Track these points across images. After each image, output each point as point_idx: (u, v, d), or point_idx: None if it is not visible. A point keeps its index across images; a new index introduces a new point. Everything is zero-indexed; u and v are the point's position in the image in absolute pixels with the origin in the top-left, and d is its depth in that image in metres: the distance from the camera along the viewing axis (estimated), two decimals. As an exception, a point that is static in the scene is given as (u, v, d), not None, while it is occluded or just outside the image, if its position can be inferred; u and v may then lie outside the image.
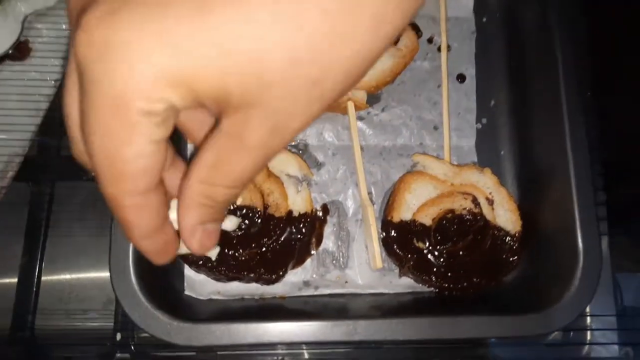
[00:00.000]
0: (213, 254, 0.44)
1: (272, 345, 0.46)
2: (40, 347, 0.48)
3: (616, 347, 0.51)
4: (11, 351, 0.48)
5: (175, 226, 0.24)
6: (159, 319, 0.40)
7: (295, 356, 0.47)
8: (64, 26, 0.51)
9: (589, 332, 0.51)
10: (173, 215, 0.24)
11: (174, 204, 0.24)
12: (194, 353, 0.47)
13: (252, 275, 0.45)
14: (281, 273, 0.45)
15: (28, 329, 0.48)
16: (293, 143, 0.50)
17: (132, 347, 0.48)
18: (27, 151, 0.49)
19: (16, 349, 0.48)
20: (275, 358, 0.47)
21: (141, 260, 0.41)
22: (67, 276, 0.52)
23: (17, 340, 0.48)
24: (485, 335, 0.41)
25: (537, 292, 0.44)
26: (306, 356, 0.48)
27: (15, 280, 0.51)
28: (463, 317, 0.41)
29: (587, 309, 0.51)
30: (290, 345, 0.47)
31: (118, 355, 0.48)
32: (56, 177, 0.52)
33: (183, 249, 0.45)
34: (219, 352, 0.47)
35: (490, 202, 0.48)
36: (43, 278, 0.52)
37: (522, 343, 0.49)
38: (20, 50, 0.50)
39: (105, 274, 0.52)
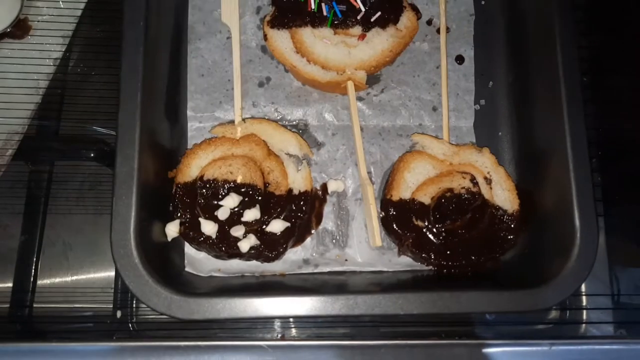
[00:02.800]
0: (212, 231, 0.45)
1: (271, 319, 0.47)
2: (39, 325, 0.48)
3: (611, 327, 0.51)
4: (10, 329, 0.48)
5: None
6: (160, 293, 0.40)
7: (295, 332, 0.48)
8: (61, 4, 0.51)
9: (584, 312, 0.52)
10: None
11: None
12: (192, 329, 0.47)
13: (252, 252, 0.45)
14: (281, 250, 0.45)
15: (27, 307, 0.48)
16: (293, 123, 0.50)
17: (130, 325, 0.48)
18: (26, 129, 0.49)
19: (15, 326, 0.48)
20: (275, 334, 0.48)
21: (142, 237, 0.41)
22: (66, 257, 0.52)
23: (16, 319, 0.48)
24: (484, 309, 0.42)
25: (535, 269, 0.45)
26: (305, 334, 0.48)
27: (14, 260, 0.51)
28: (462, 292, 0.41)
29: (583, 288, 0.51)
30: (290, 320, 0.47)
31: (116, 338, 0.48)
32: (55, 157, 0.52)
33: (173, 232, 0.45)
34: (217, 328, 0.47)
35: (489, 181, 0.48)
36: (41, 259, 0.51)
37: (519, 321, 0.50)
38: (19, 28, 0.50)
39: (104, 256, 0.52)
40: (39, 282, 0.51)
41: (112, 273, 0.51)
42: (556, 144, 0.45)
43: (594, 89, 0.54)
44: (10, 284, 0.50)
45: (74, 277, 0.52)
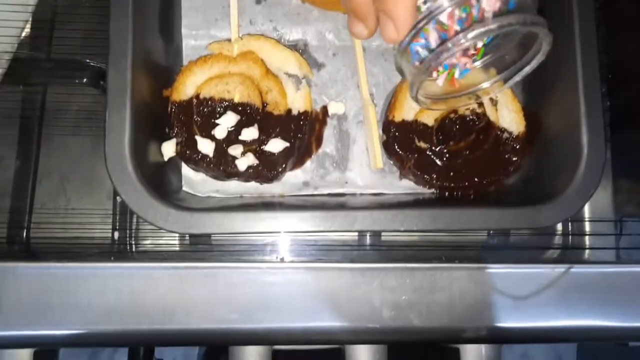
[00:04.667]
0: (209, 150, 0.44)
1: (271, 234, 0.46)
2: (36, 246, 0.48)
3: (613, 254, 0.51)
4: (8, 250, 0.48)
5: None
6: (157, 207, 0.39)
7: (295, 255, 0.47)
8: None
9: (587, 239, 0.51)
10: None
11: None
12: (191, 252, 0.47)
13: (250, 172, 0.44)
14: (280, 170, 0.44)
15: (24, 229, 0.48)
16: (292, 42, 0.48)
17: (129, 247, 0.48)
18: (15, 48, 0.48)
19: (13, 247, 0.48)
20: (275, 256, 0.47)
21: (138, 154, 0.40)
22: (63, 188, 0.51)
23: (13, 241, 0.48)
24: (486, 226, 0.41)
25: (540, 190, 0.44)
26: (304, 256, 0.48)
27: (10, 189, 0.51)
28: (463, 209, 0.41)
29: (587, 214, 0.51)
30: (290, 242, 0.47)
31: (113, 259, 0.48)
32: (47, 78, 0.50)
33: (169, 152, 0.45)
34: (217, 251, 0.47)
35: (494, 102, 0.47)
36: (38, 189, 0.51)
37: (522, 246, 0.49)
38: (4, -59, 0.47)
39: (101, 187, 0.52)
40: (37, 210, 0.50)
41: (111, 202, 0.50)
42: (565, 63, 0.44)
43: (605, 10, 0.52)
44: (7, 210, 0.49)
45: (72, 206, 0.51)
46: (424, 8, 0.31)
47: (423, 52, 0.33)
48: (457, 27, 0.31)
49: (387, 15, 0.30)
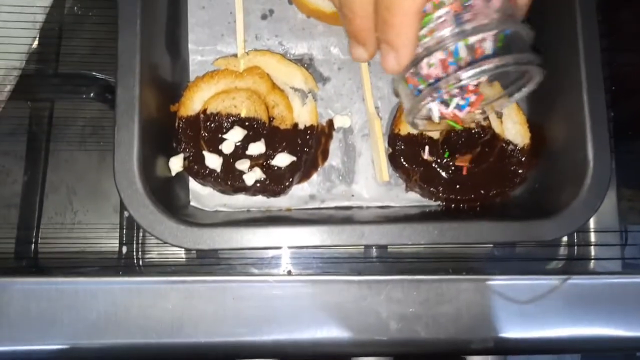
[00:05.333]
0: (216, 165, 0.44)
1: (278, 249, 0.47)
2: (44, 262, 0.48)
3: (619, 264, 0.51)
4: (16, 265, 0.48)
5: None
6: (165, 222, 0.39)
7: (302, 268, 0.48)
8: None
9: (593, 250, 0.51)
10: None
11: None
12: (198, 265, 0.47)
13: (257, 186, 0.44)
14: (287, 184, 0.45)
15: (32, 244, 0.48)
16: (298, 57, 0.49)
17: (136, 262, 0.48)
18: (24, 65, 0.48)
19: (21, 263, 0.48)
20: (283, 270, 0.47)
21: (146, 169, 0.40)
22: (70, 201, 0.52)
23: (21, 256, 0.48)
24: (493, 239, 0.42)
25: (546, 202, 0.44)
26: (311, 269, 0.48)
27: (18, 203, 0.51)
28: (470, 222, 0.41)
29: (592, 225, 0.51)
30: (297, 256, 0.47)
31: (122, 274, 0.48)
32: (55, 94, 0.51)
33: (177, 167, 0.45)
34: (224, 264, 0.47)
35: (499, 114, 0.47)
36: (46, 203, 0.51)
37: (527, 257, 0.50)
38: (12, -41, 0.48)
39: (108, 201, 0.52)
40: (44, 224, 0.50)
41: (117, 216, 0.51)
42: (570, 75, 0.44)
43: (607, 23, 0.52)
44: (14, 225, 0.50)
45: (79, 221, 0.51)
46: (425, 40, 0.31)
47: (420, 87, 0.33)
48: (454, 65, 0.32)
49: (389, 45, 0.30)
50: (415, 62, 0.31)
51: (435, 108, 0.36)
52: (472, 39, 0.31)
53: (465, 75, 0.31)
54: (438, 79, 0.32)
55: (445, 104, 0.36)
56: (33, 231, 0.49)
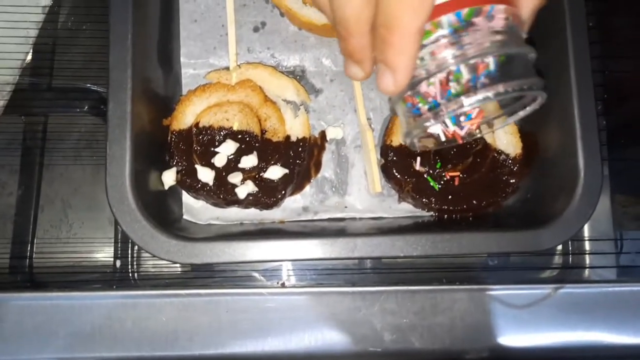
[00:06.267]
0: (209, 178, 0.44)
1: (271, 262, 0.47)
2: (39, 276, 0.48)
3: (614, 272, 0.51)
4: (11, 280, 0.48)
5: None
6: (157, 237, 0.39)
7: (295, 280, 0.48)
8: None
9: (587, 258, 0.51)
10: None
11: None
12: (193, 278, 0.47)
13: (250, 199, 0.44)
14: (279, 197, 0.45)
15: (27, 258, 0.48)
16: (290, 69, 0.49)
17: (131, 275, 0.48)
18: (17, 80, 0.48)
19: (16, 277, 0.48)
20: (277, 282, 0.47)
21: (138, 183, 0.41)
22: (65, 214, 0.52)
23: (16, 271, 0.48)
24: (486, 250, 0.42)
25: (538, 212, 0.44)
26: (305, 281, 0.48)
27: (12, 216, 0.51)
28: (463, 233, 0.41)
29: (586, 233, 0.51)
30: (290, 268, 0.47)
31: (116, 287, 0.48)
32: (49, 108, 0.51)
33: (169, 180, 0.45)
34: (219, 277, 0.47)
35: (491, 124, 0.47)
36: (41, 216, 0.51)
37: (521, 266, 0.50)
38: (5, -25, 0.48)
39: (103, 213, 0.52)
40: (39, 237, 0.50)
41: (112, 229, 0.51)
42: (560, 84, 0.44)
43: (600, 29, 0.52)
44: (9, 239, 0.50)
45: (74, 234, 0.51)
46: (424, 62, 0.30)
47: (419, 106, 0.33)
48: (454, 83, 0.31)
49: (387, 65, 0.29)
50: (413, 84, 0.30)
51: (438, 130, 0.35)
52: (474, 60, 0.30)
53: (468, 102, 0.30)
54: (438, 103, 0.31)
55: (444, 123, 0.36)
56: (28, 245, 0.49)
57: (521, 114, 0.36)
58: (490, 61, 0.31)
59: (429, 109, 0.31)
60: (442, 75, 0.30)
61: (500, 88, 0.30)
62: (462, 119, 0.36)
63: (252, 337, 0.45)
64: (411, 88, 0.31)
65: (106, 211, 0.52)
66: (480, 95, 0.30)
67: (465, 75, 0.30)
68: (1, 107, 0.48)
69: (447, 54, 0.29)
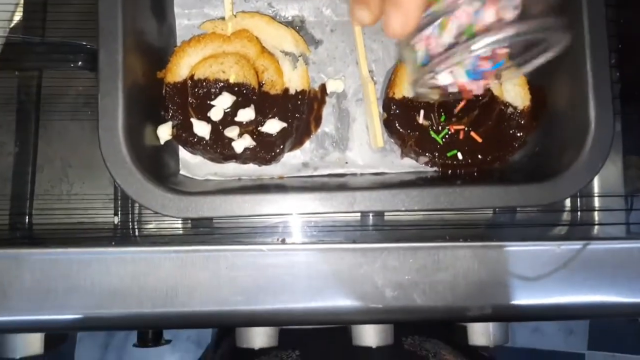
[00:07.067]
0: (205, 132, 0.43)
1: (269, 217, 0.46)
2: (39, 233, 0.48)
3: (623, 229, 0.50)
4: (11, 236, 0.48)
5: None
6: (153, 191, 0.39)
7: (296, 237, 0.47)
8: None
9: (596, 215, 0.50)
10: None
11: None
12: (192, 235, 0.47)
13: (247, 153, 0.43)
14: (278, 151, 0.44)
15: (26, 215, 0.48)
16: (288, 19, 0.47)
17: (131, 232, 0.48)
18: (7, 32, 0.47)
19: (15, 234, 0.48)
20: (277, 238, 0.47)
21: (133, 137, 0.40)
22: (65, 174, 0.51)
23: (16, 227, 0.48)
24: (490, 204, 0.40)
25: (546, 166, 0.43)
26: (306, 238, 0.47)
27: (10, 176, 0.50)
28: (466, 187, 0.40)
29: (596, 190, 0.50)
30: (290, 225, 0.47)
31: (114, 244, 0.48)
32: (41, 62, 0.49)
33: (165, 135, 0.44)
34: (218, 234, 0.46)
35: (498, 76, 0.45)
36: (40, 175, 0.51)
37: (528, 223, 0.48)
38: None
39: (104, 172, 0.51)
40: (39, 196, 0.50)
41: (112, 186, 0.50)
42: (573, 33, 0.42)
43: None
44: (8, 196, 0.49)
45: (74, 192, 0.51)
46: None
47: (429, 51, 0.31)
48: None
49: (396, 5, 0.27)
50: (421, 27, 0.29)
51: (447, 81, 0.33)
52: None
53: (477, 46, 0.28)
54: (451, 46, 0.29)
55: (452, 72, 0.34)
56: (27, 203, 0.49)
57: (540, 60, 0.34)
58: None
59: (438, 55, 0.30)
60: (452, 18, 0.29)
61: (517, 28, 0.28)
62: (481, 64, 0.33)
63: (251, 293, 0.45)
64: (419, 31, 0.29)
65: (106, 169, 0.52)
66: (493, 37, 0.28)
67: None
68: (-8, 61, 0.47)
69: None
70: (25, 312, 0.44)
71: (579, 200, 0.50)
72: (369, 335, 0.48)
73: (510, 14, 0.29)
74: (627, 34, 0.50)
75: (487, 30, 0.29)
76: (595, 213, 0.50)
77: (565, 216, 0.50)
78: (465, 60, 0.31)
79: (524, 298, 0.45)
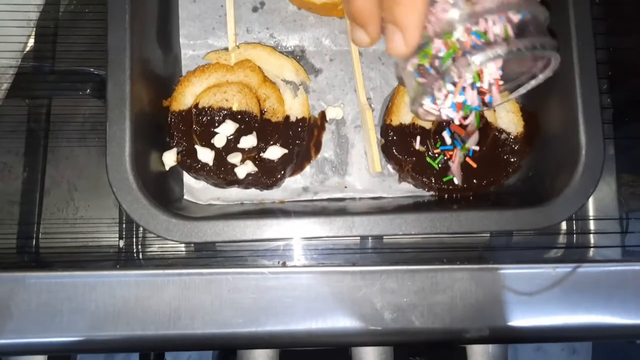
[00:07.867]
0: (209, 158, 0.44)
1: (271, 241, 0.47)
2: (45, 256, 0.49)
3: (619, 252, 0.51)
4: (18, 260, 0.49)
5: None
6: (157, 216, 0.40)
7: (296, 260, 0.48)
8: None
9: (592, 238, 0.51)
10: None
11: None
12: (195, 258, 0.47)
13: (250, 179, 0.45)
14: (279, 177, 0.45)
15: (33, 239, 0.49)
16: (289, 49, 0.49)
17: (135, 255, 0.49)
18: (19, 63, 0.49)
19: (23, 257, 0.49)
20: (278, 262, 0.48)
21: (139, 164, 0.41)
22: (71, 197, 0.52)
23: (23, 251, 0.49)
24: (485, 228, 0.41)
25: (539, 190, 0.44)
26: (307, 261, 0.48)
27: (18, 199, 0.52)
28: (463, 212, 0.41)
29: (591, 213, 0.50)
30: (291, 248, 0.48)
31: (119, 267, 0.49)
32: (51, 91, 0.51)
33: (170, 161, 0.45)
34: (220, 257, 0.47)
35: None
36: (47, 199, 0.52)
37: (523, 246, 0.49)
38: (5, -41, 0.48)
39: (109, 196, 0.52)
40: (46, 219, 0.51)
41: (117, 210, 0.51)
42: (563, 61, 0.43)
43: (606, 6, 0.51)
44: (16, 220, 0.51)
45: (80, 215, 0.52)
46: (433, 20, 0.29)
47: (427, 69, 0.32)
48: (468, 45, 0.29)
49: (396, 25, 0.27)
50: (421, 47, 0.29)
51: (431, 107, 0.34)
52: (483, 18, 0.29)
53: (475, 59, 0.29)
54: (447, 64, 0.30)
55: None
56: (34, 226, 0.50)
57: (533, 83, 0.35)
58: (500, 20, 0.30)
59: (437, 72, 0.30)
60: (450, 35, 0.29)
61: (513, 45, 0.29)
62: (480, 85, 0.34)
63: (253, 315, 0.45)
64: (419, 51, 0.30)
65: (111, 193, 0.53)
66: (489, 52, 0.28)
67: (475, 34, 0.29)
68: (5, 90, 0.48)
69: (454, 14, 0.29)
70: (30, 335, 0.44)
71: (574, 223, 0.51)
72: (369, 357, 0.49)
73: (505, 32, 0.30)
74: (617, 60, 0.51)
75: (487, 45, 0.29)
76: (591, 235, 0.51)
77: (561, 239, 0.51)
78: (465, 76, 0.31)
79: (520, 320, 0.46)
